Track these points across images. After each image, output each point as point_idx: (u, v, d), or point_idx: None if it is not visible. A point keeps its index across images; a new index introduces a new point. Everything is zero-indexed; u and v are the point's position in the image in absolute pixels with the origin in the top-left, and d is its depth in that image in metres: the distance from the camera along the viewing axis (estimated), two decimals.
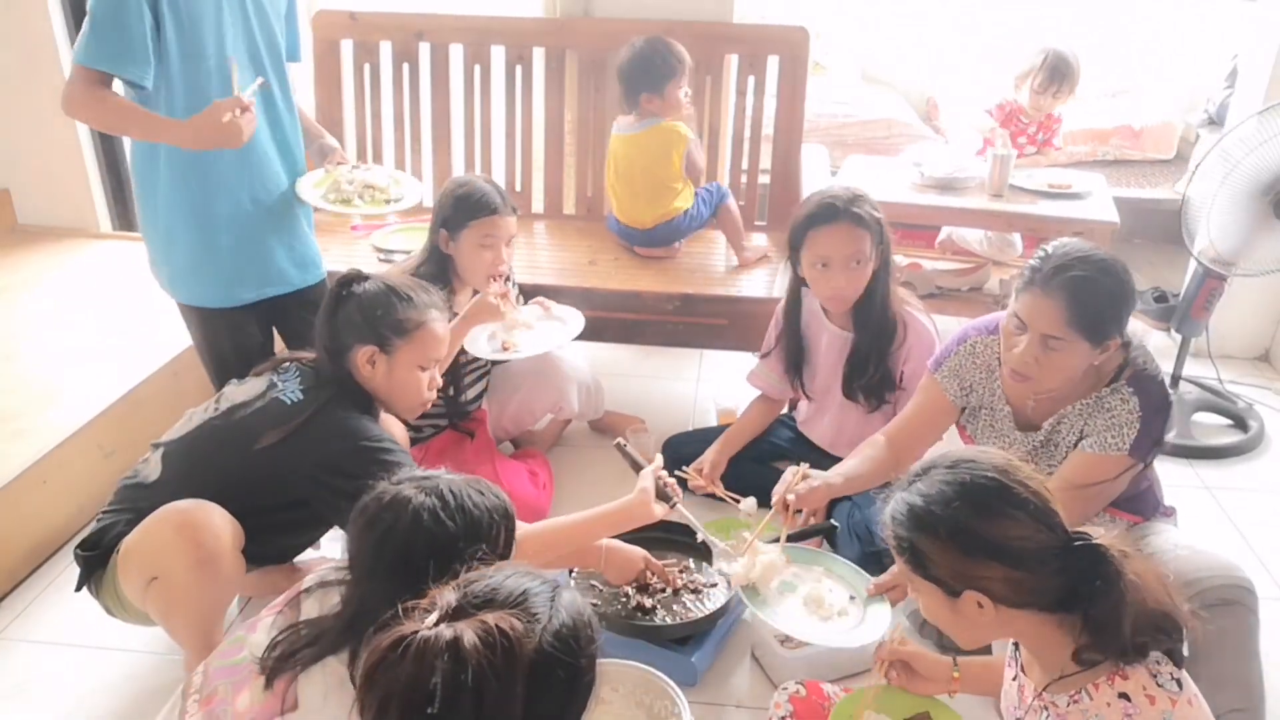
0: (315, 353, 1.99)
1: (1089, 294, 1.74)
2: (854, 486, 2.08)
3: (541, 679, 1.00)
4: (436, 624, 1.00)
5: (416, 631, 0.98)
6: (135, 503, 1.88)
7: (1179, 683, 1.27)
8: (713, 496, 2.48)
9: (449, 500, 1.34)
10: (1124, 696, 1.24)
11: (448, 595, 1.04)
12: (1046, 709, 1.30)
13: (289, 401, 1.89)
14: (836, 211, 2.25)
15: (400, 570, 1.30)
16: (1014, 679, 1.43)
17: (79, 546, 1.90)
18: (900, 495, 1.35)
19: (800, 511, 2.02)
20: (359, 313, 1.93)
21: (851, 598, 1.91)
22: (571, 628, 1.04)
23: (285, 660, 1.34)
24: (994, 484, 1.28)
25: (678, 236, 3.06)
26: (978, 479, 1.29)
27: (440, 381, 2.05)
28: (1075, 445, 1.90)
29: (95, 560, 1.87)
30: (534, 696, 0.99)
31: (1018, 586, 1.26)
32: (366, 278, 1.97)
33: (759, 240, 3.12)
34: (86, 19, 2.04)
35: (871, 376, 2.39)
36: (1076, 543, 1.26)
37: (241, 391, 1.95)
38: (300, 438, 1.83)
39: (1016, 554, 1.25)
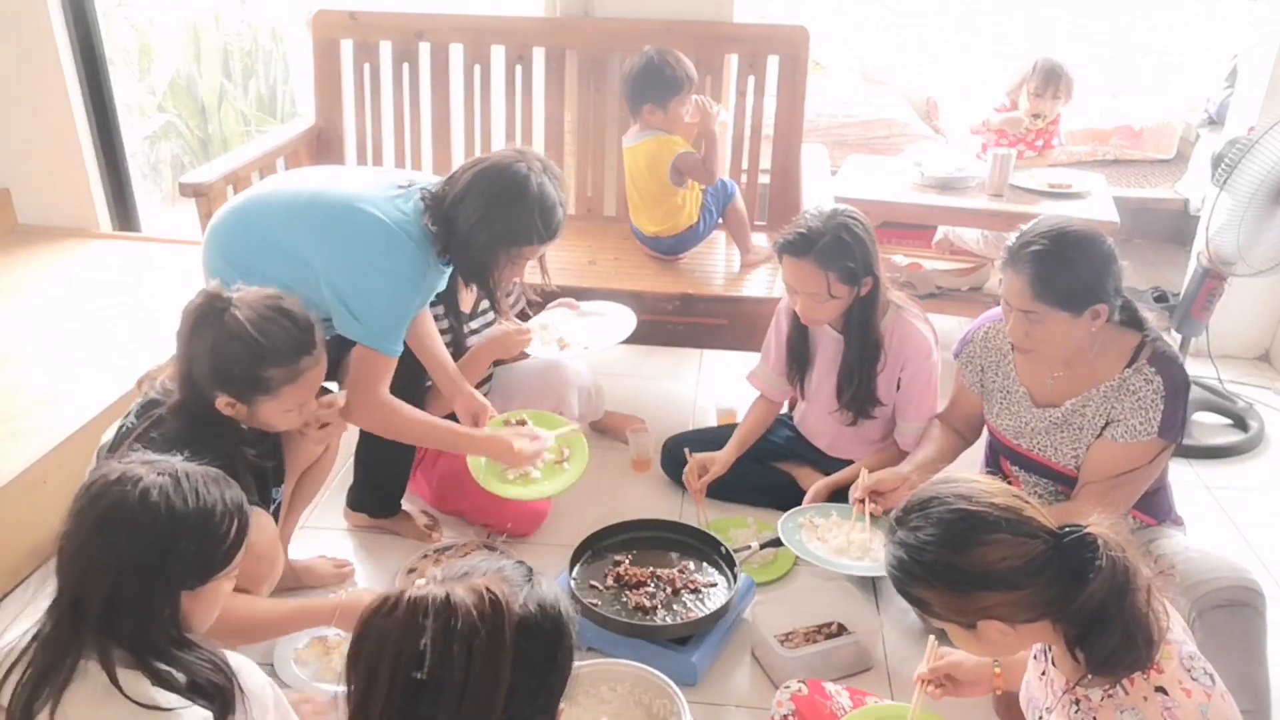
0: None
1: (1048, 266, 1.80)
2: (929, 471, 2.15)
3: (528, 635, 1.02)
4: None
5: (405, 591, 1.01)
6: None
7: (1212, 677, 1.27)
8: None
9: (182, 482, 1.29)
10: (1161, 690, 1.23)
11: (432, 570, 1.07)
12: (1078, 703, 1.30)
13: (131, 420, 1.75)
14: (804, 248, 2.21)
15: (121, 549, 1.24)
16: (1042, 674, 1.43)
17: None
18: (889, 548, 1.35)
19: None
20: (210, 362, 1.68)
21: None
22: (552, 601, 1.06)
23: (33, 699, 1.22)
24: (961, 516, 1.28)
25: (688, 247, 3.06)
26: (945, 516, 1.28)
27: (315, 408, 1.89)
28: (1102, 430, 1.93)
29: None
30: (521, 653, 1.00)
31: (1021, 604, 1.26)
32: (225, 309, 1.68)
33: (760, 240, 3.12)
34: (391, 312, 2.00)
35: (855, 389, 2.38)
36: (1066, 539, 1.26)
37: (107, 434, 1.84)
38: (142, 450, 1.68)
39: (1006, 576, 1.25)
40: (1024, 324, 1.87)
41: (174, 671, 1.26)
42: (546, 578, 1.11)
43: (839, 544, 2.13)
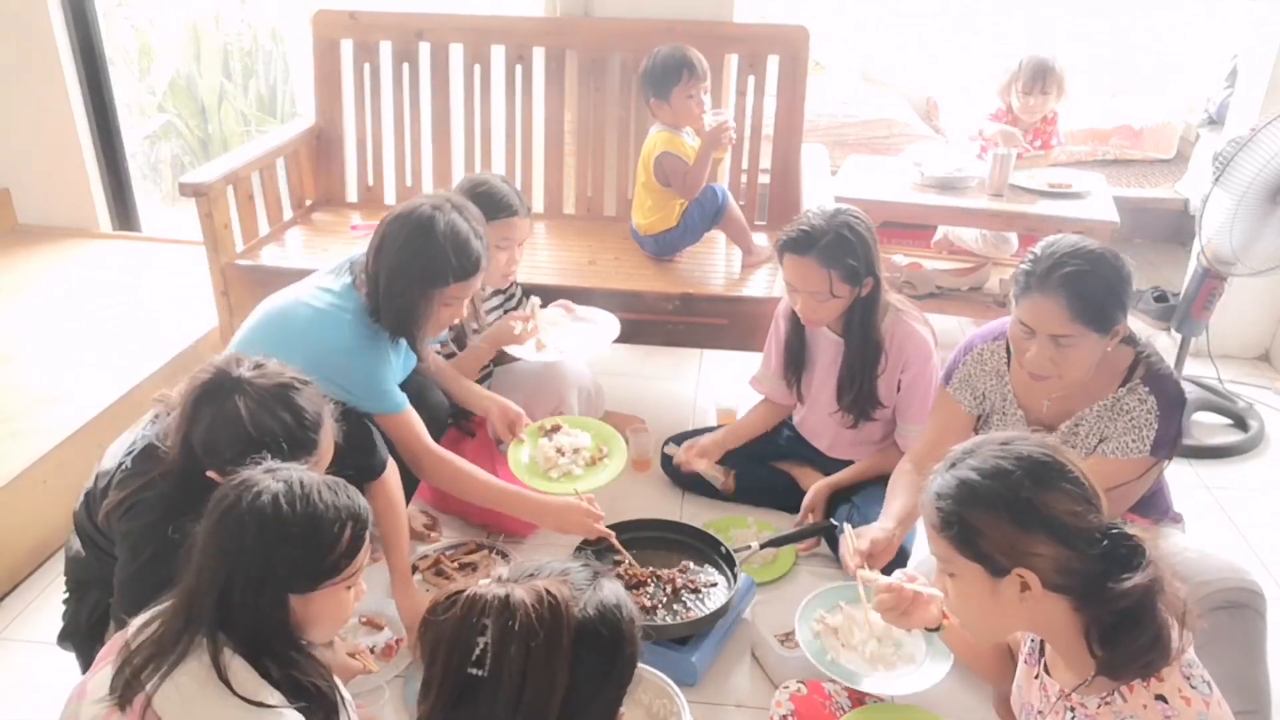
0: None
1: (1086, 287, 1.76)
2: (909, 524, 2.12)
3: (586, 640, 1.03)
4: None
5: (466, 589, 1.03)
6: (79, 576, 1.86)
7: (1209, 685, 1.27)
8: (695, 476, 2.56)
9: (295, 490, 1.32)
10: (1161, 699, 1.23)
11: (498, 569, 1.08)
12: (1073, 710, 1.29)
13: (129, 465, 1.69)
14: (806, 245, 2.20)
15: (230, 550, 1.29)
16: (1035, 678, 1.42)
17: (60, 637, 1.89)
18: (949, 472, 1.33)
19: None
20: (204, 439, 1.57)
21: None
22: (614, 604, 1.07)
23: (136, 678, 1.27)
24: (1049, 458, 1.29)
25: (670, 250, 3.02)
26: (1033, 452, 1.29)
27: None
28: (1095, 448, 1.91)
29: (85, 644, 1.85)
30: (579, 658, 1.02)
31: (1064, 567, 1.25)
32: (231, 391, 1.56)
33: (761, 240, 3.11)
34: (370, 380, 2.03)
35: (856, 391, 2.38)
36: (1115, 531, 1.26)
37: (112, 450, 1.79)
38: (132, 509, 1.64)
39: (1069, 530, 1.25)
40: (1050, 349, 1.81)
41: (283, 671, 1.31)
42: (611, 581, 1.11)
43: (871, 650, 1.92)
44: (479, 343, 2.54)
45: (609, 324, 2.66)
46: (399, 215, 2.05)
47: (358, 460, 1.95)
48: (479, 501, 2.26)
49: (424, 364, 2.29)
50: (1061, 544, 1.25)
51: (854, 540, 2.01)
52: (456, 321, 2.31)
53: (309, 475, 1.36)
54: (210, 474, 1.58)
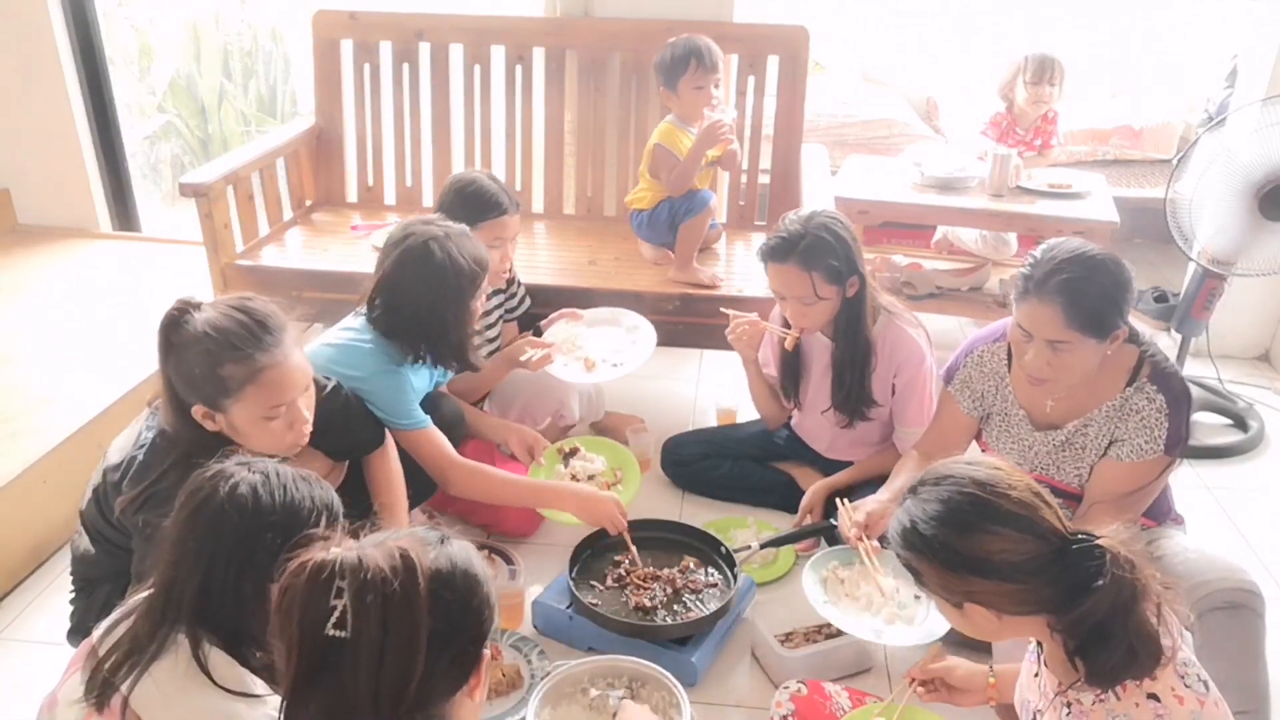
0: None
1: (1083, 293, 1.76)
2: None
3: (444, 584, 1.04)
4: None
5: (315, 556, 1.03)
6: (87, 573, 1.87)
7: (1206, 684, 1.27)
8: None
9: (272, 480, 1.34)
10: (1153, 697, 1.23)
11: (348, 541, 1.08)
12: (1069, 705, 1.29)
13: (141, 457, 1.70)
14: (786, 251, 2.21)
15: (210, 540, 1.30)
16: (1035, 675, 1.43)
17: (71, 633, 1.89)
18: (897, 514, 1.36)
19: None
20: (176, 371, 1.64)
21: (916, 596, 1.94)
22: (464, 557, 1.09)
23: (111, 678, 1.28)
24: (973, 500, 1.28)
25: (641, 230, 3.01)
26: (955, 496, 1.29)
27: (308, 416, 1.74)
28: (1106, 449, 1.92)
29: None
30: (437, 598, 1.03)
31: (1012, 597, 1.26)
32: (187, 317, 1.63)
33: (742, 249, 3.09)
34: (393, 401, 2.10)
35: (848, 392, 2.37)
36: (1075, 545, 1.24)
37: (117, 445, 1.79)
38: (149, 500, 1.65)
39: (1002, 567, 1.25)
40: (1047, 354, 1.81)
41: (266, 657, 1.31)
42: (460, 540, 1.13)
43: (875, 602, 1.97)
44: (488, 367, 2.53)
45: (637, 324, 2.65)
46: (405, 250, 2.10)
47: (362, 435, 2.06)
48: (512, 504, 2.34)
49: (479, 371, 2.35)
50: (998, 581, 1.25)
51: (851, 512, 2.09)
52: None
53: (283, 468, 1.37)
54: (198, 412, 1.64)
